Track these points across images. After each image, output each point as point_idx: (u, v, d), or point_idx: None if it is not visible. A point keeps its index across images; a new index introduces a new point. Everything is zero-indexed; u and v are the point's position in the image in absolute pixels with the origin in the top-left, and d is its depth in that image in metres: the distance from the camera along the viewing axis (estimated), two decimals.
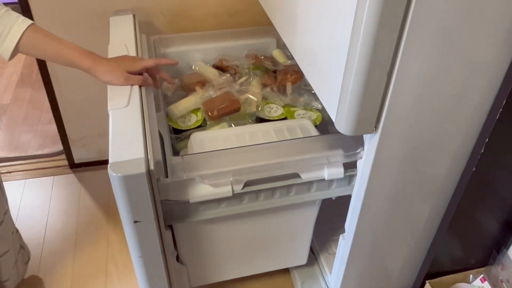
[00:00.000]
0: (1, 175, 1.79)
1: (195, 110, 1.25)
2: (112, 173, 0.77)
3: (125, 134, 0.86)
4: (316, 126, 1.17)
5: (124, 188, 0.79)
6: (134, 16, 1.32)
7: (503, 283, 1.13)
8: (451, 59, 0.76)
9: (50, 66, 1.53)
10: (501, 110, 0.82)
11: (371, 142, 0.86)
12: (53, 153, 1.92)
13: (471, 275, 1.16)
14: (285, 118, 1.25)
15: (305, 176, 0.99)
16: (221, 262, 1.21)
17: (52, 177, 1.81)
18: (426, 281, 1.14)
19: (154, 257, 0.94)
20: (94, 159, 1.82)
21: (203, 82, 1.32)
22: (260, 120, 1.26)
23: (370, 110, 0.79)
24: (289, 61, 1.41)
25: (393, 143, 0.85)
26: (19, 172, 1.83)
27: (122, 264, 1.48)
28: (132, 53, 1.11)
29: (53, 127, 1.74)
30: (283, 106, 1.29)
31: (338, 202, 1.09)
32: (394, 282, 1.21)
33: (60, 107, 1.64)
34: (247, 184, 0.96)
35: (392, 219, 1.02)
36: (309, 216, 1.17)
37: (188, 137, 1.12)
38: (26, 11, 1.39)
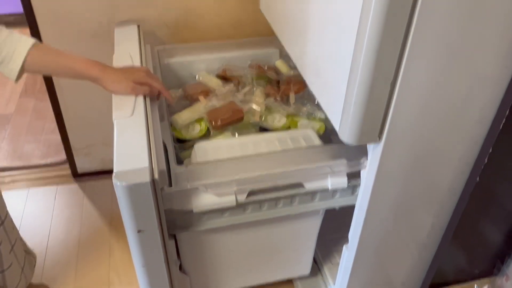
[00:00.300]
0: (5, 184, 1.80)
1: (198, 120, 1.26)
2: (117, 182, 0.78)
3: (130, 144, 0.87)
4: (319, 136, 1.17)
5: (128, 197, 0.79)
6: (138, 27, 1.34)
7: None
8: (454, 70, 0.76)
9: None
10: (504, 120, 0.82)
11: (374, 152, 0.86)
12: (57, 162, 1.92)
13: (475, 286, 1.16)
14: (288, 128, 1.26)
15: (309, 186, 0.99)
16: (224, 272, 1.21)
17: (55, 186, 1.81)
18: None
19: (158, 267, 0.94)
20: (97, 168, 1.83)
21: (207, 92, 1.32)
22: (264, 130, 1.26)
23: (374, 120, 0.79)
24: (292, 72, 1.42)
25: (397, 153, 0.85)
26: (23, 182, 1.84)
27: (125, 274, 1.47)
28: (137, 62, 1.12)
29: (57, 136, 1.74)
30: (286, 116, 1.29)
31: (341, 212, 1.08)
32: None
33: (64, 117, 1.64)
34: (250, 193, 0.96)
35: (395, 229, 1.02)
36: (313, 226, 1.17)
37: (191, 146, 1.13)
38: (31, 22, 1.41)
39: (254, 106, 1.28)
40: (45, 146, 2.04)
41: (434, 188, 0.95)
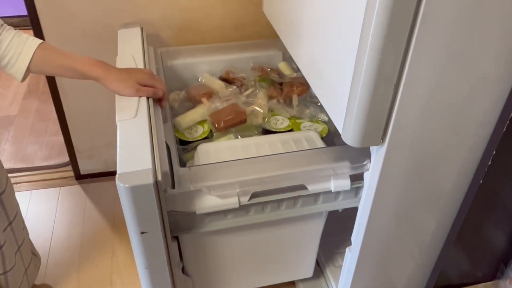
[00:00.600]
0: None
1: (201, 122, 1.26)
2: (120, 183, 0.78)
3: (133, 145, 0.87)
4: (322, 138, 1.17)
5: (131, 198, 0.79)
6: (141, 29, 1.34)
7: None
8: (458, 72, 0.76)
9: (58, 78, 1.54)
10: (508, 122, 0.82)
11: (378, 154, 0.86)
12: (59, 164, 1.93)
13: None
14: (291, 130, 1.26)
15: (312, 188, 0.99)
16: (226, 274, 1.20)
17: (58, 188, 1.81)
18: None
19: (160, 269, 0.93)
20: (100, 170, 1.83)
21: (210, 94, 1.32)
22: (266, 132, 1.26)
23: (377, 122, 0.79)
24: (295, 74, 1.42)
25: (400, 155, 0.85)
26: (25, 183, 1.84)
27: (127, 275, 1.47)
28: (140, 64, 1.12)
29: (60, 138, 1.75)
30: (289, 118, 1.29)
31: (344, 214, 1.08)
32: None
33: (67, 118, 1.65)
34: (253, 195, 0.96)
35: (399, 231, 1.02)
36: (315, 228, 1.16)
37: (194, 148, 1.13)
38: (35, 25, 1.42)
39: (257, 108, 1.28)
40: (48, 147, 2.04)
41: (437, 190, 0.95)
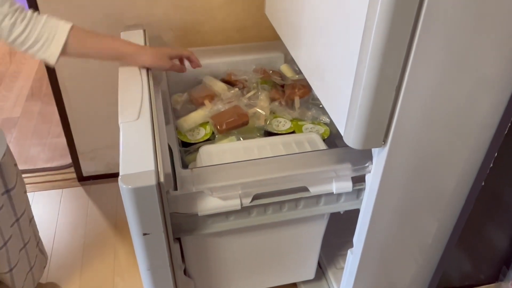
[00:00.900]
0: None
1: (203, 124, 1.26)
2: (123, 185, 0.78)
3: (136, 147, 0.87)
4: (324, 140, 1.18)
5: (134, 200, 0.80)
6: (144, 31, 1.34)
7: None
8: (459, 75, 0.76)
9: (61, 79, 1.55)
10: (510, 124, 0.82)
11: (379, 156, 0.86)
12: (62, 166, 1.93)
13: None
14: (293, 132, 1.26)
15: (314, 190, 0.99)
16: (228, 275, 1.21)
17: (60, 190, 1.82)
18: None
19: (163, 270, 0.94)
20: (102, 172, 1.83)
21: (212, 96, 1.33)
22: (268, 134, 1.26)
23: (379, 124, 0.79)
24: (297, 76, 1.42)
25: (402, 157, 0.85)
26: (28, 185, 1.84)
27: (129, 277, 1.48)
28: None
29: (62, 140, 1.75)
30: (291, 120, 1.30)
31: (346, 216, 1.08)
32: None
33: (70, 120, 1.65)
34: (255, 197, 0.96)
35: (400, 233, 1.02)
36: (317, 230, 1.17)
37: (196, 150, 1.13)
38: None
39: (259, 110, 1.28)
40: (50, 149, 2.05)
41: (439, 192, 0.95)
